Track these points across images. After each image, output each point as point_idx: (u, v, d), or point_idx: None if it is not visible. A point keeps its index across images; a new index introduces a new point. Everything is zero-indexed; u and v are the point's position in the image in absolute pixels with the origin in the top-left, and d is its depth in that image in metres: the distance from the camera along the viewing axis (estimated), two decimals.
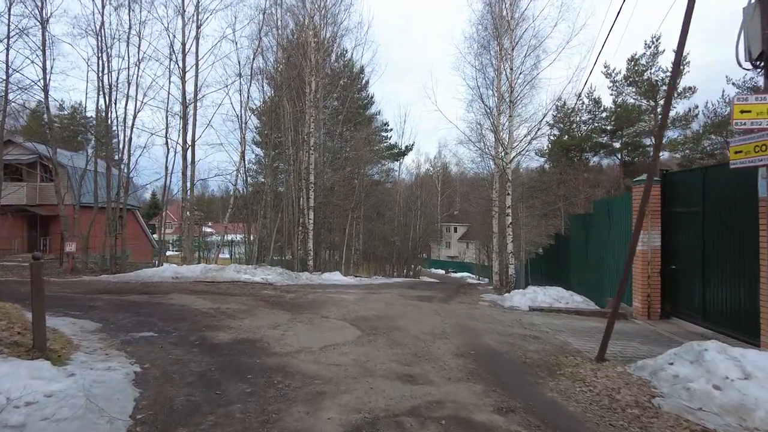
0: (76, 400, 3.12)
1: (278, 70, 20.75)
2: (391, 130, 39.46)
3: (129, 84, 16.75)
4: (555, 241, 16.70)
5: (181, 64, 16.84)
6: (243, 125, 18.41)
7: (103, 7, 16.01)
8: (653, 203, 8.22)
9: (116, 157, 18.12)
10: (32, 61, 15.25)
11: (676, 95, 30.52)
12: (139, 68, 16.88)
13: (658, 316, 8.11)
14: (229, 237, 26.27)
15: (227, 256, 26.44)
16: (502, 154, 16.27)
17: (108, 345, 5.13)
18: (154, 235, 30.24)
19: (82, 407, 3.09)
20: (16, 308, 5.17)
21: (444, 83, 55.93)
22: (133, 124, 17.05)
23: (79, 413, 3.03)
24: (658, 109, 31.32)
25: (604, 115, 34.14)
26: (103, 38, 16.12)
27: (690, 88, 30.11)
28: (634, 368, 4.57)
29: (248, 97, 18.51)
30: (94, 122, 20.67)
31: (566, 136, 34.43)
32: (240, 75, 18.04)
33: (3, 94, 14.58)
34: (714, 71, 48.22)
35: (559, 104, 24.09)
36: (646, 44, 30.65)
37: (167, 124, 17.73)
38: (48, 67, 15.35)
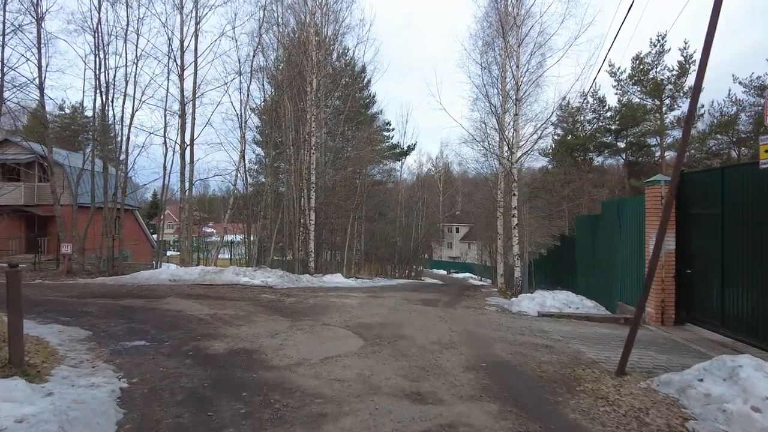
0: (50, 426, 2.80)
1: (279, 68, 20.45)
2: (393, 129, 39.21)
3: (127, 82, 16.47)
4: (560, 243, 16.38)
5: (179, 62, 16.54)
6: (243, 124, 18.12)
7: (100, 3, 15.71)
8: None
9: (112, 156, 17.82)
10: (27, 59, 15.00)
11: (681, 94, 30.17)
12: (137, 66, 16.62)
13: (673, 322, 7.77)
14: (229, 238, 25.97)
15: (227, 257, 26.14)
16: (508, 153, 15.94)
17: (96, 356, 4.83)
18: (155, 236, 29.95)
19: None
20: None
21: (447, 82, 55.78)
22: (131, 123, 16.78)
23: None
24: (664, 109, 30.95)
25: (608, 114, 33.71)
26: (100, 35, 15.83)
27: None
28: (658, 383, 4.24)
29: (248, 96, 18.20)
30: (90, 120, 20.35)
31: (570, 136, 34.03)
32: (240, 73, 17.73)
33: None
34: (720, 70, 47.78)
35: (563, 103, 23.70)
36: (651, 43, 30.23)
37: (165, 123, 17.47)
38: (43, 64, 15.08)
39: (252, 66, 17.85)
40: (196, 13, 16.61)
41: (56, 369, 4.03)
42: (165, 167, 17.36)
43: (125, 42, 16.21)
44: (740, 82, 28.52)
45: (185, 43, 16.69)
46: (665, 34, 29.75)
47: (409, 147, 38.65)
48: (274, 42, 19.55)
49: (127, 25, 16.14)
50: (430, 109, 71.11)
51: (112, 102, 16.70)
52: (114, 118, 17.38)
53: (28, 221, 23.49)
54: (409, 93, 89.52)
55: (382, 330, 6.55)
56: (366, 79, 30.47)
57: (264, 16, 17.93)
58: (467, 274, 43.75)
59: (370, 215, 30.04)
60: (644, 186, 8.55)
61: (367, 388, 3.99)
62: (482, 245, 40.06)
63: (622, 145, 34.09)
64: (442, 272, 46.83)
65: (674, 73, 29.74)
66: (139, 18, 16.35)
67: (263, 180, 23.48)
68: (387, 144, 37.19)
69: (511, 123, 15.80)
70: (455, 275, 44.23)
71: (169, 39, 16.49)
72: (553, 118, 20.93)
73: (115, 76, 16.49)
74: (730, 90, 28.82)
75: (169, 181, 18.48)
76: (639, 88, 31.59)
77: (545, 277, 18.12)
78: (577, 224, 14.39)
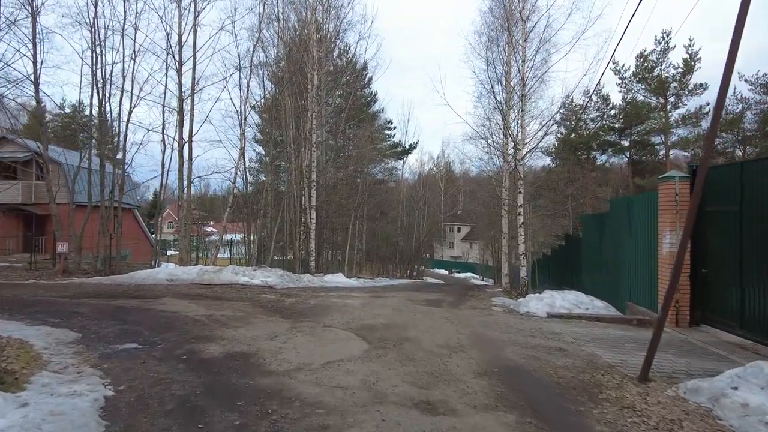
0: None
1: (279, 65, 20.14)
2: (395, 128, 38.91)
3: (124, 78, 16.15)
4: (564, 242, 16.09)
5: (177, 57, 16.23)
6: (243, 121, 17.79)
7: None
8: (682, 202, 7.60)
9: (110, 154, 17.52)
10: (24, 54, 14.67)
11: (686, 92, 29.83)
12: (134, 62, 16.30)
13: (687, 323, 7.47)
14: (229, 237, 25.68)
15: (227, 256, 25.85)
16: (513, 150, 15.62)
17: (83, 360, 4.53)
18: (155, 235, 29.68)
19: None
20: None
21: (450, 77, 55.48)
22: (128, 120, 16.47)
23: None
24: (668, 107, 30.60)
25: (612, 112, 33.40)
26: (97, 30, 15.50)
27: (701, 84, 29.35)
28: (685, 391, 3.93)
29: (248, 92, 17.87)
30: (88, 117, 20.06)
31: (573, 134, 33.70)
32: (239, 68, 17.40)
33: None
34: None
35: (567, 101, 23.34)
36: (656, 40, 29.88)
37: (164, 120, 17.16)
38: (39, 60, 14.78)
39: (252, 61, 17.54)
40: (195, 7, 16.33)
41: (36, 376, 3.73)
42: (163, 165, 17.09)
43: (122, 37, 15.91)
44: (746, 80, 28.15)
45: (183, 38, 16.39)
46: (670, 31, 29.43)
47: (410, 146, 38.36)
48: (275, 38, 19.25)
49: (125, 19, 15.87)
50: (434, 104, 70.98)
51: (110, 98, 16.42)
52: (111, 115, 17.11)
53: (25, 220, 23.22)
54: (410, 91, 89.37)
55: (387, 332, 6.25)
56: (367, 77, 30.17)
57: (264, 10, 17.63)
58: (469, 274, 43.45)
59: (372, 214, 29.77)
60: (657, 183, 8.23)
61: (373, 397, 3.68)
62: (484, 245, 39.76)
63: (625, 143, 33.78)
64: (444, 272, 46.54)
65: (679, 70, 29.40)
66: (136, 12, 16.06)
67: (263, 179, 23.18)
68: (388, 143, 36.90)
69: (517, 119, 15.49)
70: (457, 275, 43.94)
71: (168, 33, 16.20)
72: (558, 116, 20.64)
73: (112, 72, 16.18)
74: (735, 88, 28.44)
75: (167, 179, 18.20)
76: (643, 86, 31.27)
77: (549, 277, 17.83)
78: (583, 223, 14.10)
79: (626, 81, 31.72)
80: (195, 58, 16.38)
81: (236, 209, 20.90)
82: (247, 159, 20.51)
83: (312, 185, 18.09)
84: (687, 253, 7.40)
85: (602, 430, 3.19)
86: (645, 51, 30.39)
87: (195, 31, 16.40)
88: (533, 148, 15.93)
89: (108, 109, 16.67)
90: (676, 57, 29.81)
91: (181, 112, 16.19)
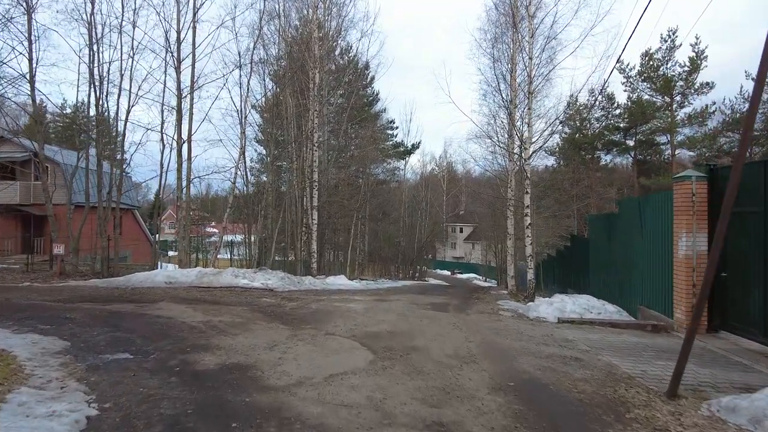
0: None
1: (280, 63, 19.85)
2: (397, 128, 38.57)
3: (122, 76, 15.88)
4: (570, 243, 15.77)
5: (176, 54, 15.94)
6: (243, 120, 17.51)
7: None
8: (699, 203, 7.28)
9: (108, 153, 17.24)
10: (19, 53, 14.43)
11: (693, 91, 29.43)
12: (133, 59, 16.03)
13: (705, 329, 7.14)
14: (229, 238, 25.39)
15: (227, 257, 25.57)
16: (520, 149, 15.29)
17: (68, 373, 4.22)
18: (156, 236, 29.42)
19: None
20: None
21: (454, 75, 54.97)
22: (126, 119, 16.22)
23: None
24: (674, 106, 30.20)
25: (617, 111, 33.01)
26: (94, 27, 15.22)
27: (708, 83, 28.94)
28: (719, 409, 3.61)
29: (248, 91, 17.59)
30: (85, 116, 19.78)
31: (578, 134, 33.33)
32: (240, 66, 17.12)
33: None
34: (732, 67, 46.82)
35: (571, 101, 22.99)
36: (662, 38, 29.51)
37: (163, 119, 16.92)
38: (35, 57, 14.51)
39: (252, 59, 17.26)
40: (194, 3, 16.06)
41: (14, 393, 3.42)
42: (162, 164, 16.82)
43: (120, 34, 15.65)
44: (753, 79, 27.71)
45: (182, 35, 16.10)
46: (676, 30, 29.06)
47: (413, 145, 38.02)
48: (276, 35, 18.97)
49: (122, 16, 15.60)
50: (437, 103, 70.34)
51: (107, 97, 16.15)
52: (109, 113, 16.84)
53: (24, 221, 22.98)
54: (412, 91, 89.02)
55: (392, 340, 5.93)
56: (369, 77, 29.86)
57: (265, 7, 17.36)
58: (472, 275, 43.10)
59: (374, 215, 29.49)
60: (672, 182, 7.91)
61: (381, 417, 3.37)
62: (487, 245, 39.42)
63: (631, 143, 33.36)
64: (446, 273, 46.21)
65: (685, 69, 29.00)
66: (134, 9, 15.81)
67: (265, 179, 22.89)
68: (391, 142, 36.57)
69: (523, 117, 15.14)
70: (459, 276, 43.61)
71: (166, 31, 15.92)
72: (561, 117, 20.26)
73: (109, 70, 15.92)
74: (741, 86, 27.98)
75: (166, 179, 17.95)
76: (649, 85, 30.87)
77: (554, 279, 17.50)
78: (590, 223, 13.77)
79: (631, 80, 31.33)
80: (194, 55, 16.13)
81: (237, 210, 20.62)
82: (247, 159, 20.27)
83: (314, 185, 17.79)
84: (705, 256, 7.12)
85: None
86: (650, 49, 30.04)
87: (194, 28, 16.16)
88: (540, 147, 15.61)
89: (106, 107, 16.44)
90: (682, 55, 29.54)
91: (179, 111, 15.91)
